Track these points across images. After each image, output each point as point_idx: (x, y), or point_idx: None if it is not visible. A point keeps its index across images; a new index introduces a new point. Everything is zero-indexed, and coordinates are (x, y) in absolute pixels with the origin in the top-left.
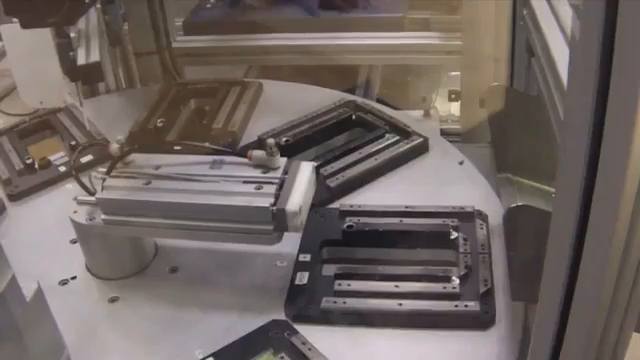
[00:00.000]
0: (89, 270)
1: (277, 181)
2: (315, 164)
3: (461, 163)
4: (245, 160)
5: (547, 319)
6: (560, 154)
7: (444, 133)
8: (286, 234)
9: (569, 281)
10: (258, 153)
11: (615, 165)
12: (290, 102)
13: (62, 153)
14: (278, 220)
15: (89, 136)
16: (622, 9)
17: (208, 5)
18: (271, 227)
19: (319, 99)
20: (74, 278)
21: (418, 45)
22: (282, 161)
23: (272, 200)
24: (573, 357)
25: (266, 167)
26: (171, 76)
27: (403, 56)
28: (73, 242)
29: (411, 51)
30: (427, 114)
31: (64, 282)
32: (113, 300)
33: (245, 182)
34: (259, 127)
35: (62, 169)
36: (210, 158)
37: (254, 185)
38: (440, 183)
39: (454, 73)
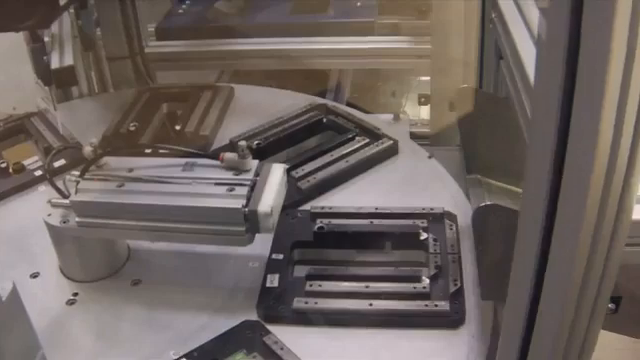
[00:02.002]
0: (62, 272)
1: (249, 183)
2: (286, 166)
3: (430, 157)
4: (217, 162)
5: (515, 318)
6: (528, 151)
7: (414, 136)
8: (258, 236)
9: (536, 279)
10: (230, 155)
11: (582, 160)
12: (262, 106)
13: (36, 157)
14: (250, 221)
15: (63, 140)
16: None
17: (180, 10)
18: (243, 228)
19: (290, 103)
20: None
21: (388, 49)
22: (254, 163)
23: (244, 201)
24: (541, 355)
25: (238, 169)
26: (144, 81)
27: (373, 60)
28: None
29: (381, 55)
30: (397, 118)
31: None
32: (86, 302)
33: (217, 184)
34: (231, 131)
35: (36, 173)
36: (182, 161)
37: (226, 187)
38: (410, 185)
39: (425, 78)
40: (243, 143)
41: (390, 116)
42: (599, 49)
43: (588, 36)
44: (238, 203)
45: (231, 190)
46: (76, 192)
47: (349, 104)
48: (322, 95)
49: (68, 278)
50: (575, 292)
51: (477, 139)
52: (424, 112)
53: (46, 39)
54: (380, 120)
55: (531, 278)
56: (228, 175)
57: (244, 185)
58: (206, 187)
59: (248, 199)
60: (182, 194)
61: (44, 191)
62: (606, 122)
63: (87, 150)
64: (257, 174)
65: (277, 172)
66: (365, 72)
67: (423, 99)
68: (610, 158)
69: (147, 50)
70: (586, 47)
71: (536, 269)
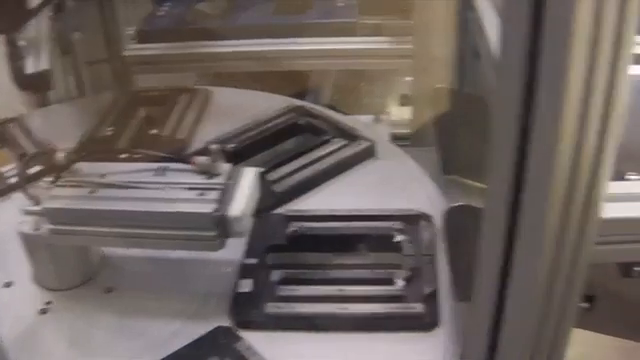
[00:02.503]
0: (36, 281)
1: (220, 187)
2: (260, 170)
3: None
4: (189, 167)
5: (481, 319)
6: (490, 146)
7: (395, 137)
8: (233, 240)
9: (502, 280)
10: (202, 159)
11: (544, 154)
12: (239, 108)
13: (13, 164)
14: (221, 226)
15: (39, 147)
16: None
17: (161, 13)
18: (214, 233)
19: (268, 105)
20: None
21: (369, 50)
22: (226, 167)
23: (215, 206)
24: (509, 355)
25: (210, 173)
26: (123, 85)
27: (355, 61)
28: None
29: (363, 56)
30: (378, 119)
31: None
32: (60, 310)
33: (189, 189)
34: (208, 134)
35: (12, 180)
36: (155, 165)
37: (197, 191)
38: (387, 186)
39: (408, 78)
40: (214, 147)
41: (371, 117)
42: (560, 43)
43: (549, 25)
44: (208, 207)
45: (202, 194)
46: (48, 199)
47: (330, 106)
48: (303, 97)
49: (41, 287)
50: (541, 292)
51: (454, 139)
52: (406, 113)
53: (22, 43)
54: (360, 121)
55: (496, 279)
56: (200, 179)
57: (215, 189)
58: (178, 192)
59: (219, 203)
60: (153, 199)
61: (19, 198)
62: (570, 112)
63: (59, 156)
64: (229, 178)
65: (249, 176)
66: (347, 73)
67: (404, 100)
68: (575, 151)
69: (127, 53)
70: (548, 37)
71: (499, 271)
